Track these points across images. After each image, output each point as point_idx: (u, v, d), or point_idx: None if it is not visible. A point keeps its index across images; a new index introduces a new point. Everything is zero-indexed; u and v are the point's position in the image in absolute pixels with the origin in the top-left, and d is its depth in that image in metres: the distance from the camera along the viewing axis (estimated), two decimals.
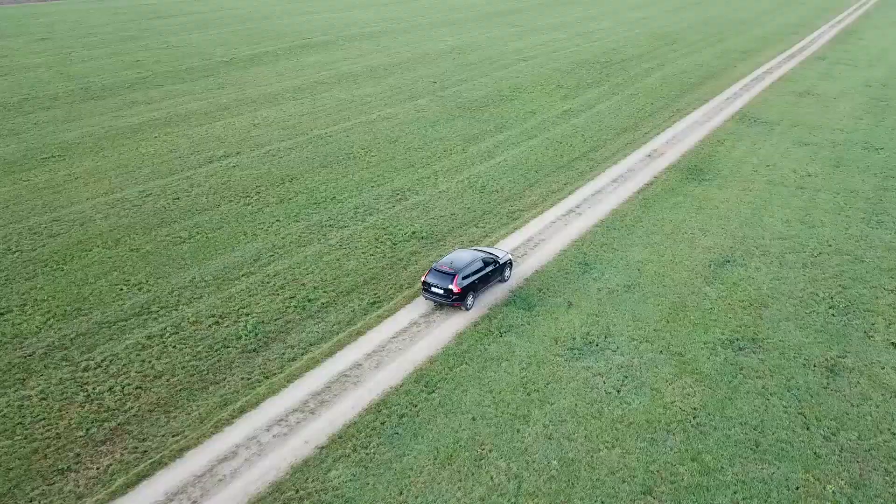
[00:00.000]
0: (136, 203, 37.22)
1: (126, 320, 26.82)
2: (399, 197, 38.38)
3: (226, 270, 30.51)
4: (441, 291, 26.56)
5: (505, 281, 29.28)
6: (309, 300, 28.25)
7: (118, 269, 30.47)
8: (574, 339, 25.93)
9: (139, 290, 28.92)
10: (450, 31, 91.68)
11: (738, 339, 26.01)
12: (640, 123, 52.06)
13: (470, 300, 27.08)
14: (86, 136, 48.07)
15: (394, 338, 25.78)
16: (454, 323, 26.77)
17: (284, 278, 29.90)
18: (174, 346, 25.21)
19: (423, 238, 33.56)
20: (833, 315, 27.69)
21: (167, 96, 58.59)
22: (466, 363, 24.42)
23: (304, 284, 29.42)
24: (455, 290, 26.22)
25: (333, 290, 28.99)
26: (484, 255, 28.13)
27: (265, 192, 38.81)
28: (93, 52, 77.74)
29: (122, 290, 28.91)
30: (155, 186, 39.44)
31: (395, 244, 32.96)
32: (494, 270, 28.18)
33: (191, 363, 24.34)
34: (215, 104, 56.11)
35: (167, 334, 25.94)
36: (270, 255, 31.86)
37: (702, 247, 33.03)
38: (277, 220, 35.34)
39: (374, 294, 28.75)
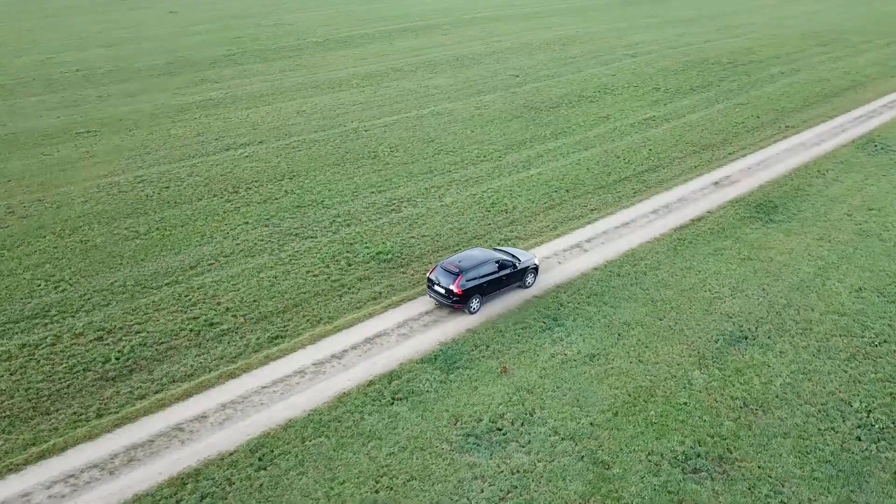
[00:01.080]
0: (125, 189, 35.72)
1: (17, 322, 24.85)
2: (392, 208, 33.97)
3: (154, 276, 27.84)
4: (443, 291, 24.74)
5: (527, 287, 26.79)
6: (211, 324, 24.81)
7: (52, 262, 28.78)
8: (480, 420, 20.48)
9: (55, 288, 26.94)
10: (569, 20, 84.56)
11: (698, 456, 19.31)
12: (731, 140, 43.57)
13: (475, 304, 25.11)
14: (133, 113, 47.87)
15: (265, 387, 21.70)
16: (347, 377, 22.19)
17: (205, 293, 26.70)
18: (38, 361, 22.77)
19: (386, 261, 29.04)
20: (858, 438, 20.02)
21: (239, 76, 57.69)
22: (326, 436, 19.84)
23: (219, 303, 26.05)
24: (456, 290, 24.26)
25: (244, 315, 25.37)
26: (503, 256, 26.00)
27: (256, 188, 35.90)
28: (206, 27, 79.44)
29: (39, 286, 27.09)
30: (155, 172, 37.83)
31: (350, 265, 28.72)
32: (511, 275, 25.96)
33: (39, 385, 21.75)
34: (277, 87, 54.31)
35: (43, 346, 23.59)
36: (210, 263, 28.81)
37: (720, 312, 25.79)
38: (245, 223, 32.26)
39: (283, 326, 24.78)
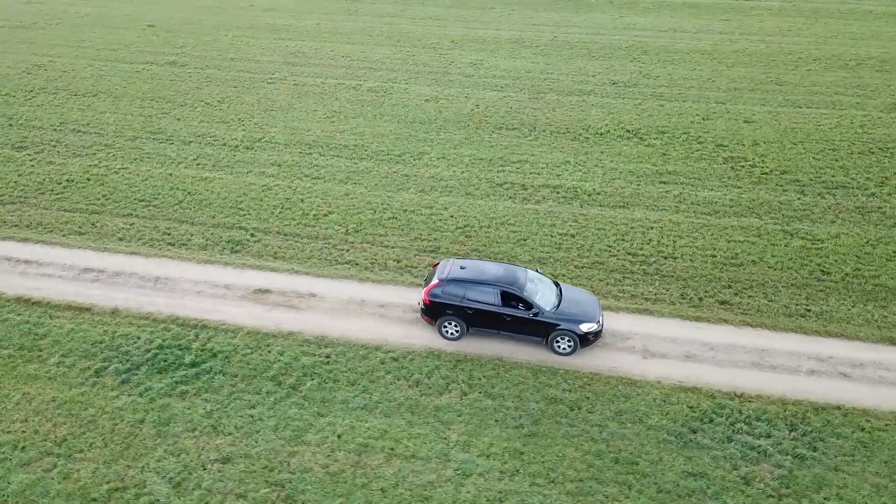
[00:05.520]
0: None
1: None
2: (20, 145, 30.80)
3: None
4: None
5: (558, 353, 18.76)
6: None
7: None
8: None
9: None
10: None
11: None
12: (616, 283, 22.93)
13: (450, 328, 19.17)
14: (211, 22, 51.12)
15: None
16: None
17: None
18: None
19: None
20: None
21: (377, 13, 54.15)
22: None
23: None
24: (423, 297, 19.22)
25: None
26: (523, 294, 18.68)
27: (42, 93, 36.60)
28: None
29: None
30: (33, 62, 41.59)
31: None
32: (522, 321, 18.71)
33: None
34: (365, 28, 49.59)
35: None
36: None
37: None
38: None
39: None
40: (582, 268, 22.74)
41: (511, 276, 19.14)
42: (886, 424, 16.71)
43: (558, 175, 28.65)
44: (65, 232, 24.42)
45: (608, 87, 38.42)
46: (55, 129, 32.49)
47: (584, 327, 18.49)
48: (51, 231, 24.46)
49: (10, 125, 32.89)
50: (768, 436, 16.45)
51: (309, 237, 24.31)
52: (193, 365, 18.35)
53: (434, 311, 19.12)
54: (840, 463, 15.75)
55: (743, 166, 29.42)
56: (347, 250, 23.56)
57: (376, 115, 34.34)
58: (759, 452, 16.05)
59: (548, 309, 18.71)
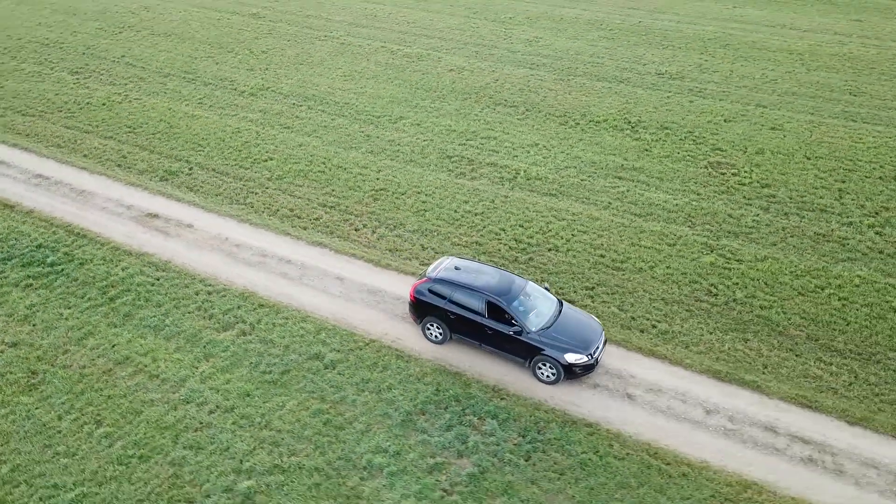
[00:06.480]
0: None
1: None
2: (75, 74, 35.46)
3: None
4: None
5: (542, 380, 16.99)
6: None
7: None
8: None
9: None
10: None
11: None
12: None
13: (433, 330, 18.06)
14: None
15: None
16: None
17: None
18: None
19: None
20: None
21: None
22: None
23: None
24: (410, 293, 18.29)
25: None
26: (514, 308, 16.96)
27: (121, 35, 41.44)
28: None
29: None
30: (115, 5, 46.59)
31: None
32: (504, 338, 17.04)
33: None
34: (465, 2, 50.04)
35: None
36: None
37: None
38: None
39: None
40: (457, 245, 22.24)
41: (504, 286, 17.35)
42: (628, 454, 15.06)
43: (515, 156, 27.74)
44: (48, 144, 28.14)
45: (650, 77, 35.87)
46: (113, 61, 36.87)
47: (571, 357, 16.39)
48: (39, 142, 28.30)
49: (83, 53, 37.82)
50: (492, 434, 15.56)
51: (235, 177, 25.95)
52: (52, 265, 20.80)
53: (419, 310, 17.91)
54: (541, 478, 14.57)
55: (723, 173, 26.57)
56: (256, 193, 24.92)
57: (390, 79, 35.03)
58: (468, 447, 15.28)
59: (533, 329, 16.72)
